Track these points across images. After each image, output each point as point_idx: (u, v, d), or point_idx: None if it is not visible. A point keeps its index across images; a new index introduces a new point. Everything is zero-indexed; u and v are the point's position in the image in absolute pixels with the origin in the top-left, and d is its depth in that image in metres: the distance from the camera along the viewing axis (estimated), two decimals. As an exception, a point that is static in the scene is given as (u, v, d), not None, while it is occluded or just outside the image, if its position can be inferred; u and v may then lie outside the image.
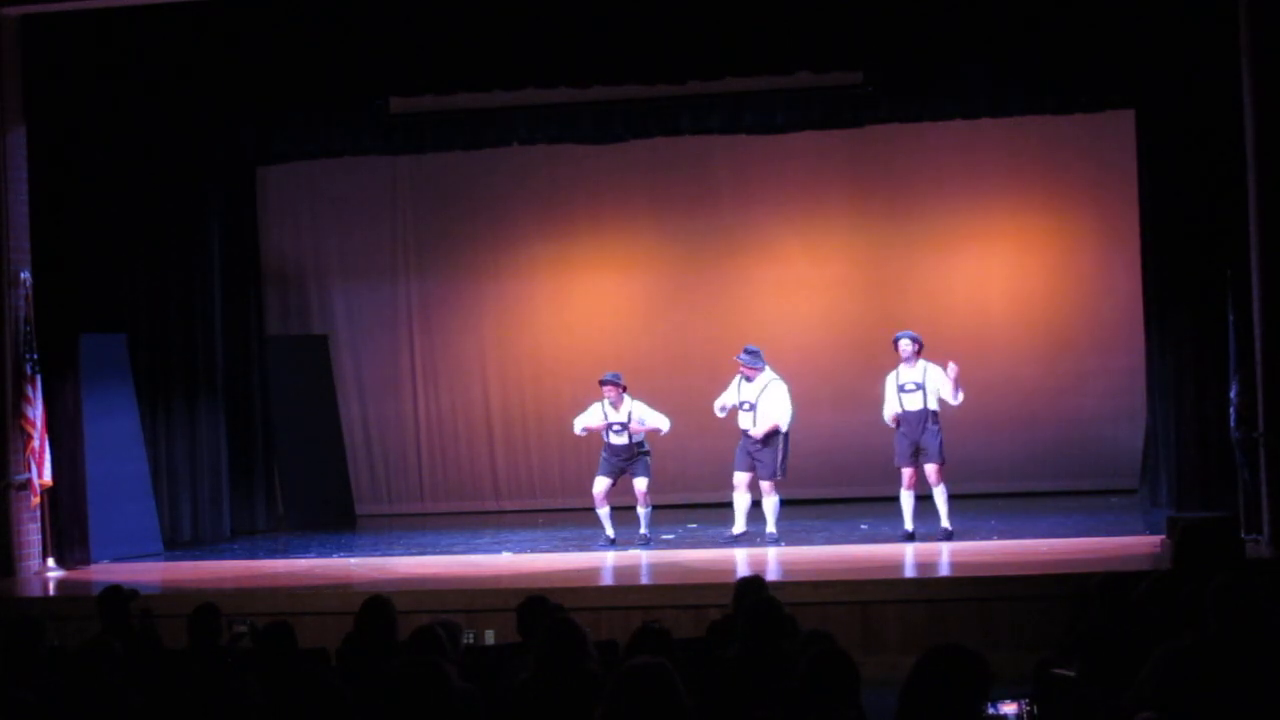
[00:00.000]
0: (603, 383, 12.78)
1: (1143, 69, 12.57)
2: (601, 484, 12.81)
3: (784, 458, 12.57)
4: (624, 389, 12.77)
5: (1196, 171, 12.60)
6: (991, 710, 4.79)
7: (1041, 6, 11.88)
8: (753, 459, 12.56)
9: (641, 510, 12.85)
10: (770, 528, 12.54)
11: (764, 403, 12.52)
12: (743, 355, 12.67)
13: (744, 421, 12.58)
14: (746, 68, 12.46)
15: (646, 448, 12.90)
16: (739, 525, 12.68)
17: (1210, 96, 12.13)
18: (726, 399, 12.71)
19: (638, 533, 12.84)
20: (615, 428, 12.77)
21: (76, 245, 13.03)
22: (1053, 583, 10.15)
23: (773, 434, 12.48)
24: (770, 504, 12.58)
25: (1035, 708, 4.78)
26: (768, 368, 12.66)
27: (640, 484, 12.75)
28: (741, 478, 12.65)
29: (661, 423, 12.79)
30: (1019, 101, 13.53)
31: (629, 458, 12.78)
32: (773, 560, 11.82)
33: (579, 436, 13.25)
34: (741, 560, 11.87)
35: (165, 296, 14.30)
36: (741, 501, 12.69)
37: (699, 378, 15.19)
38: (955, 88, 13.14)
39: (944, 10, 11.92)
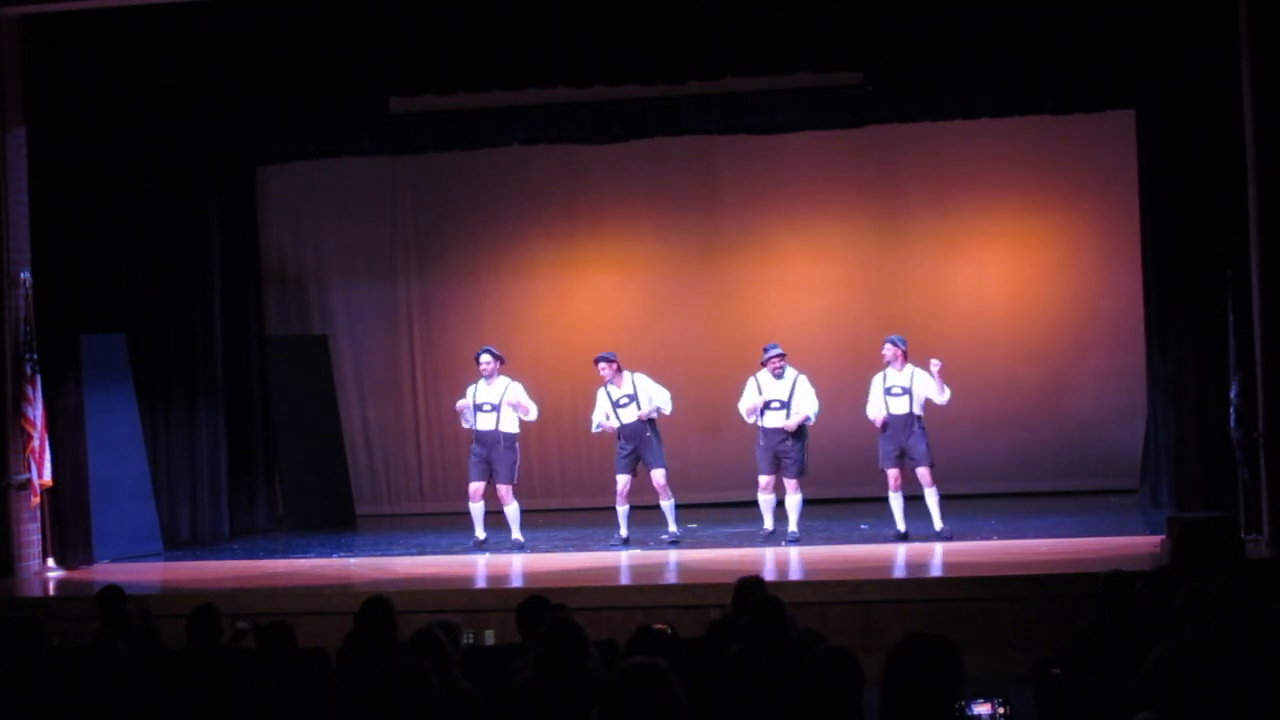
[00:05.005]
0: (596, 360, 12.77)
1: (1143, 69, 12.57)
2: (620, 481, 12.78)
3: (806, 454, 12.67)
4: (619, 366, 12.74)
5: (1196, 171, 12.59)
6: (968, 711, 4.79)
7: (1041, 7, 11.88)
8: (779, 459, 12.57)
9: (665, 504, 12.82)
10: (793, 526, 12.59)
11: (797, 398, 12.59)
12: (775, 352, 12.66)
13: (774, 420, 12.59)
14: (746, 68, 12.45)
15: (656, 425, 12.83)
16: (769, 524, 12.71)
17: (1210, 96, 12.12)
18: (753, 403, 12.66)
19: (665, 531, 12.83)
20: (622, 401, 12.75)
21: (76, 245, 13.02)
22: (1053, 583, 10.16)
23: (802, 426, 12.53)
24: (795, 502, 12.64)
25: (1009, 708, 4.79)
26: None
27: (658, 475, 12.72)
28: (767, 479, 12.67)
29: (663, 400, 12.74)
30: (1019, 101, 13.53)
31: (641, 440, 12.70)
32: (773, 560, 11.84)
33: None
34: (742, 560, 11.86)
35: (165, 296, 14.29)
36: (768, 501, 12.72)
37: (699, 377, 15.22)
38: (955, 88, 13.14)
39: (944, 10, 11.91)
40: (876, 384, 12.53)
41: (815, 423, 12.78)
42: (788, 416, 12.57)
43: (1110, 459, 15.40)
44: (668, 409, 12.80)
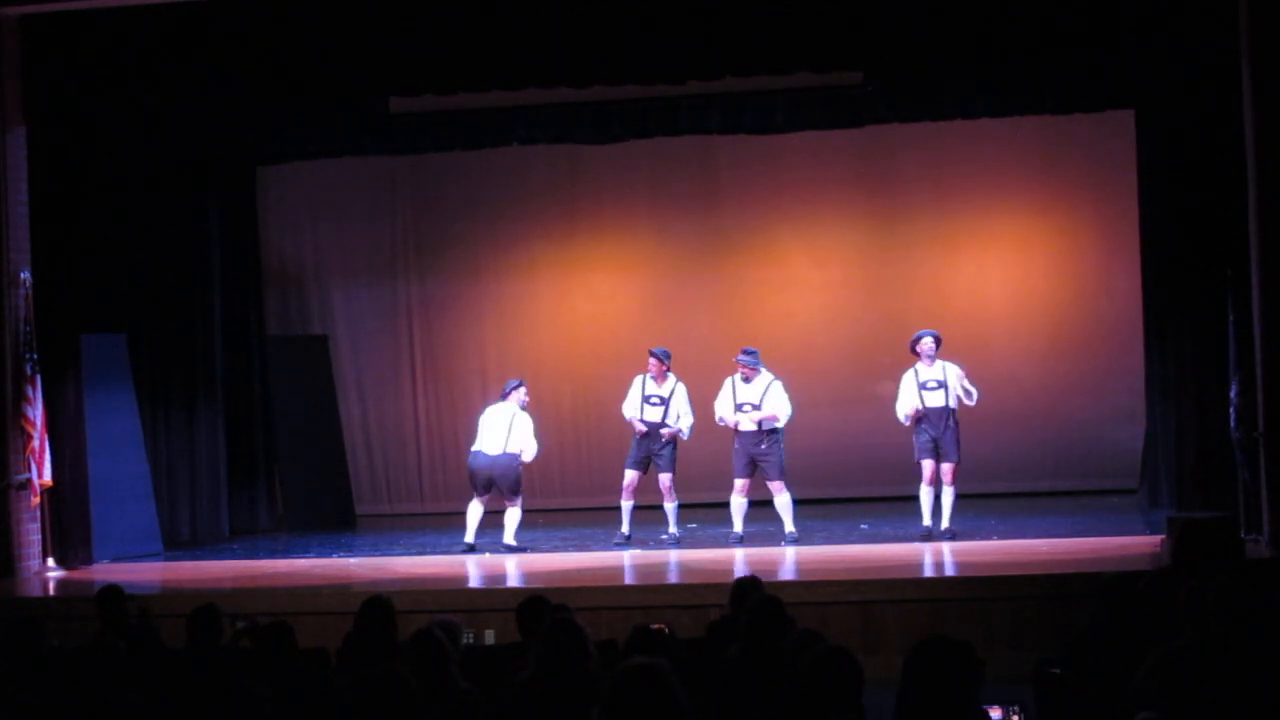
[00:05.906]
0: (650, 351, 12.87)
1: (1143, 69, 12.57)
2: (629, 476, 12.82)
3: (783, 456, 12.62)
4: (667, 368, 12.79)
5: (1196, 171, 12.61)
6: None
7: (1041, 7, 11.88)
8: (756, 462, 12.55)
9: (668, 506, 12.83)
10: (789, 527, 12.57)
11: (767, 404, 12.53)
12: (744, 356, 12.66)
13: (745, 424, 12.57)
14: (746, 68, 12.45)
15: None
16: (738, 526, 12.68)
17: (1210, 96, 12.13)
18: (725, 409, 12.67)
19: (666, 531, 12.84)
20: (653, 400, 12.78)
21: (76, 245, 13.02)
22: (1053, 583, 10.16)
23: (772, 427, 12.48)
24: (784, 503, 12.60)
25: (1023, 715, 4.79)
26: (764, 368, 12.68)
27: (664, 479, 12.74)
28: (742, 483, 12.65)
29: (686, 425, 12.78)
30: (1019, 101, 13.53)
31: (657, 442, 12.70)
32: (772, 560, 11.83)
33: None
34: (741, 560, 11.87)
35: (165, 296, 14.30)
36: (740, 505, 12.69)
37: (699, 378, 15.12)
38: (955, 88, 13.14)
39: (944, 10, 11.91)
40: (909, 380, 12.46)
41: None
42: (758, 424, 12.56)
43: (1110, 459, 15.40)
44: (687, 435, 12.84)
